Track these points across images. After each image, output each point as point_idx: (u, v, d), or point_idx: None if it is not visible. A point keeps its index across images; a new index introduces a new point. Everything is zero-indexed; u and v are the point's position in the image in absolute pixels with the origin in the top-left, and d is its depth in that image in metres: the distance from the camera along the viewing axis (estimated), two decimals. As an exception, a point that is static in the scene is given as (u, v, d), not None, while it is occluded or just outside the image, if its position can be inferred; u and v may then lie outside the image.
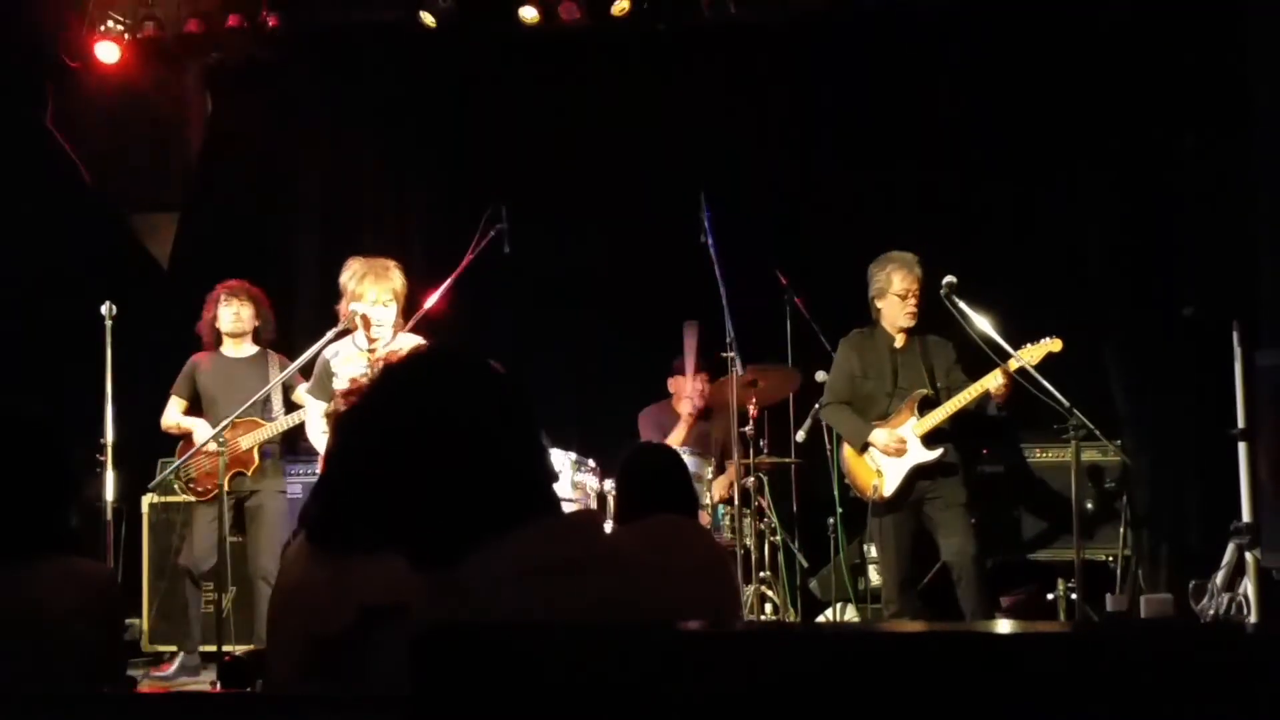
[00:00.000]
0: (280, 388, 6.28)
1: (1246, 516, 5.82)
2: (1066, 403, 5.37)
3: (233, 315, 6.36)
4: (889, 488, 5.76)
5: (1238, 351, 5.92)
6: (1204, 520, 6.37)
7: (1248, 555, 5.69)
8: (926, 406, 5.79)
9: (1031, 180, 6.99)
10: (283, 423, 6.22)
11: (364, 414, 1.74)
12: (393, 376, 1.75)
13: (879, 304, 5.87)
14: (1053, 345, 5.60)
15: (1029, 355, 5.55)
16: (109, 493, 5.90)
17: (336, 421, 1.80)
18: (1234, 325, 5.96)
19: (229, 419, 5.79)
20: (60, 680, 2.39)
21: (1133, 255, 6.72)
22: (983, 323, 5.52)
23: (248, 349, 6.45)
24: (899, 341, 5.87)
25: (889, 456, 5.76)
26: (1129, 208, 6.76)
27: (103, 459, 5.98)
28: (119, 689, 2.66)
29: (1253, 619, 5.66)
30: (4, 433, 2.61)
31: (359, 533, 2.59)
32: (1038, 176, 6.98)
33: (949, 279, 5.55)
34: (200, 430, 6.27)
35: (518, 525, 1.60)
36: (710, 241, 5.79)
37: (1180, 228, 6.17)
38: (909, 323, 5.80)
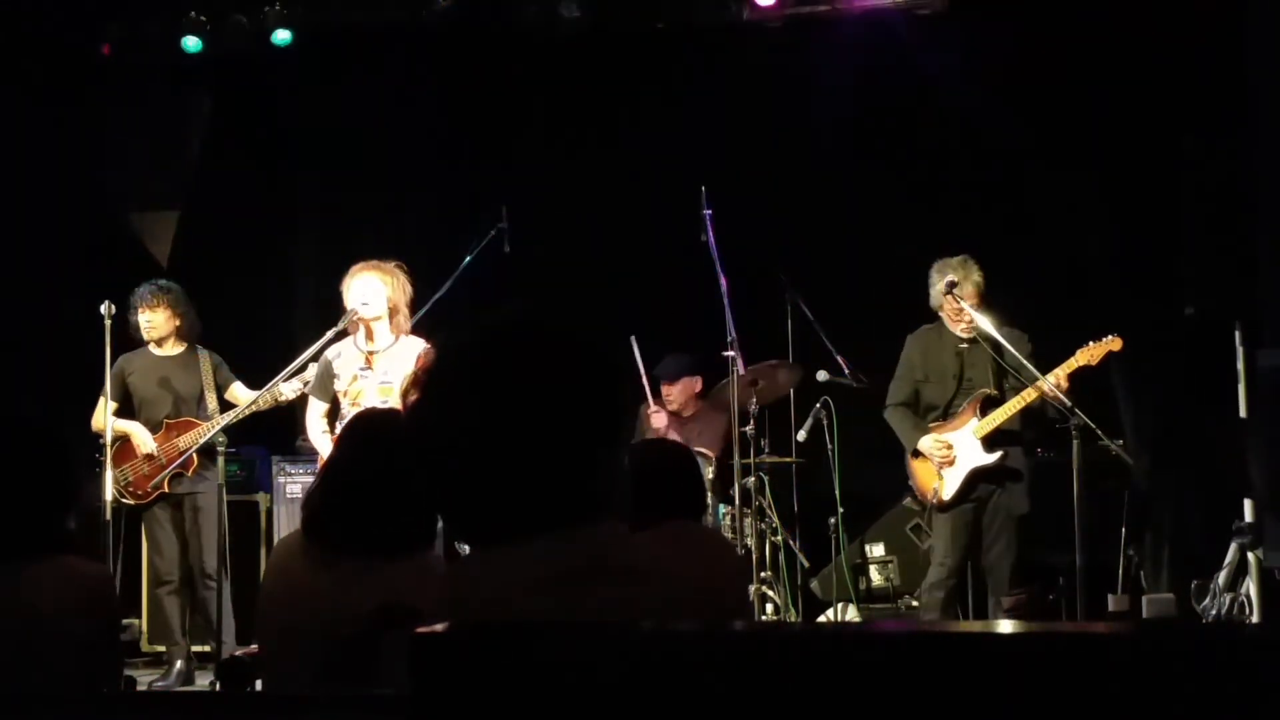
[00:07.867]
0: (214, 387, 6.25)
1: (1249, 516, 5.82)
2: (1069, 402, 5.36)
3: (146, 324, 6.22)
4: (948, 491, 5.59)
5: (1239, 351, 5.93)
6: (1206, 520, 6.36)
7: (1250, 555, 5.70)
8: (990, 407, 5.60)
9: (1032, 180, 6.99)
10: (220, 421, 6.05)
11: (434, 398, 1.59)
12: (461, 356, 1.60)
13: (936, 309, 5.71)
14: (1113, 344, 5.47)
15: (1088, 355, 5.45)
16: (108, 493, 5.89)
17: (406, 408, 1.68)
18: (1235, 325, 5.96)
19: (235, 414, 5.83)
20: (57, 679, 2.39)
21: (1134, 256, 6.71)
22: (984, 322, 5.51)
23: (175, 347, 6.33)
24: (966, 339, 5.67)
25: (938, 463, 5.59)
26: (1130, 208, 6.76)
27: (102, 459, 5.97)
28: (117, 688, 2.66)
29: (1255, 619, 5.67)
30: (6, 438, 2.61)
31: (378, 533, 2.58)
32: (1038, 176, 6.97)
33: (950, 278, 5.54)
34: (138, 433, 6.16)
35: (546, 529, 1.53)
36: (711, 240, 5.78)
37: (1181, 228, 6.16)
38: (966, 335, 5.64)
